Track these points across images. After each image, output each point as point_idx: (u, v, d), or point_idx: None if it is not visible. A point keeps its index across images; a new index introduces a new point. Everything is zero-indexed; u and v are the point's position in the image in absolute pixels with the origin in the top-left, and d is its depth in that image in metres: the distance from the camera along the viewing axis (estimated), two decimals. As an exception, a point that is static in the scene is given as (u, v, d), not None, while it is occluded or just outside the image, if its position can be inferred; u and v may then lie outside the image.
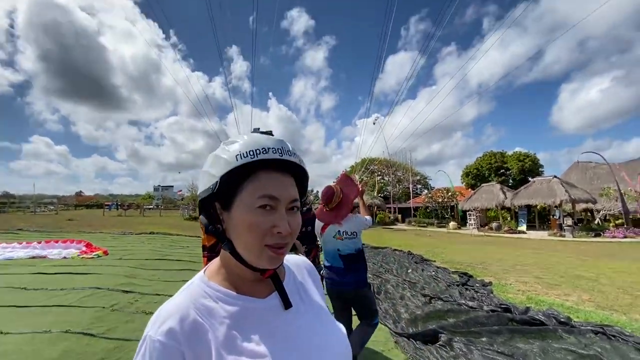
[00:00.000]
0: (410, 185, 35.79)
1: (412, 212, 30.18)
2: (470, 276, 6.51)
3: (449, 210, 27.23)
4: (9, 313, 3.83)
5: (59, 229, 16.51)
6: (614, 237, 15.18)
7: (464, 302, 4.56)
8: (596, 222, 19.22)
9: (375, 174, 37.37)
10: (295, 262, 0.75)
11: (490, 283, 5.97)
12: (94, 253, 8.32)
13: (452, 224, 23.12)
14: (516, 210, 21.36)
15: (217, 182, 0.55)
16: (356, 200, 2.65)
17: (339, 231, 2.49)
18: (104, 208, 34.76)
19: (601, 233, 16.09)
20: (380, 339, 3.47)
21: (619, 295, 5.23)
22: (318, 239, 2.78)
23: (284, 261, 0.67)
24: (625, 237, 14.99)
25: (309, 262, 0.79)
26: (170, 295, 0.59)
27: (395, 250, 10.54)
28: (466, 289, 5.47)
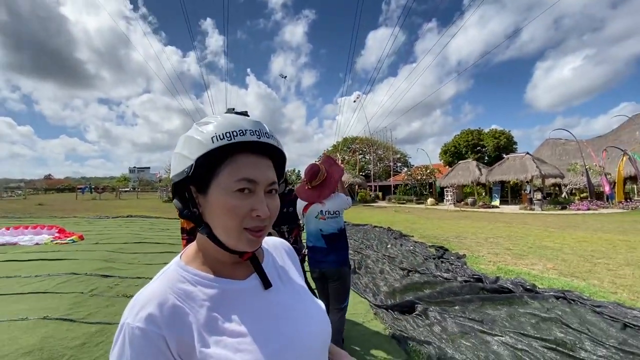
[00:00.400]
0: (391, 164, 36.36)
1: (392, 189, 30.84)
2: (446, 250, 6.81)
3: (427, 187, 28.01)
4: (-20, 302, 3.70)
5: (28, 214, 15.81)
6: (578, 209, 16.19)
7: (439, 274, 4.79)
8: (563, 195, 20.38)
9: (357, 152, 37.58)
10: (273, 243, 0.76)
11: (464, 255, 6.29)
12: (69, 238, 8.06)
13: (430, 200, 23.87)
14: (491, 186, 22.27)
15: (192, 165, 0.53)
16: (344, 177, 2.64)
17: (321, 211, 2.49)
18: (77, 191, 33.35)
19: (567, 206, 17.13)
20: (360, 311, 3.62)
21: (580, 263, 5.65)
22: (300, 218, 2.79)
23: (262, 243, 0.67)
24: (588, 209, 16.03)
25: (287, 243, 0.80)
26: (151, 278, 0.58)
27: (376, 227, 10.82)
28: (442, 261, 5.74)
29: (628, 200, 17.26)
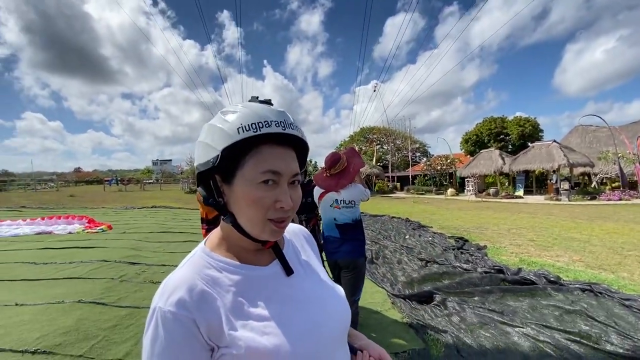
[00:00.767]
0: (409, 154, 35.73)
1: (411, 180, 30.37)
2: (466, 240, 6.70)
3: (447, 177, 27.39)
4: (22, 286, 3.99)
5: (61, 205, 16.70)
6: (609, 199, 15.41)
7: (458, 265, 4.73)
8: (593, 185, 19.43)
9: (374, 142, 37.13)
10: (293, 230, 0.78)
11: (485, 246, 6.16)
12: (99, 227, 8.49)
13: (450, 190, 23.36)
14: (514, 175, 21.51)
15: (218, 155, 0.54)
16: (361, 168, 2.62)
17: (336, 200, 2.49)
18: (104, 184, 34.88)
19: (597, 196, 16.33)
20: (377, 300, 3.65)
21: (609, 255, 5.42)
22: (318, 206, 2.81)
23: None
24: (620, 199, 15.22)
25: (306, 230, 0.82)
26: (176, 266, 0.61)
27: (394, 217, 10.74)
28: (461, 252, 5.65)
29: (665, 190, 16.26)
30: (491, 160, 22.30)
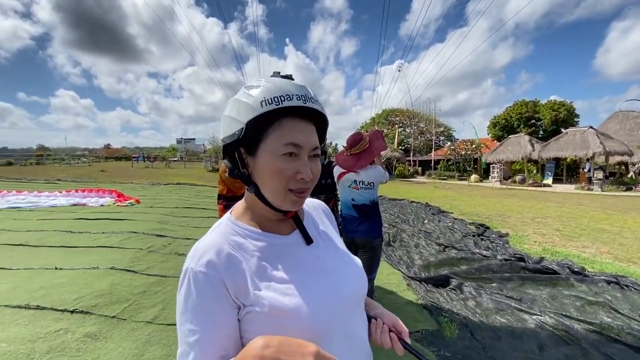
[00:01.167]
0: (433, 137, 34.75)
1: (433, 164, 29.70)
2: (487, 227, 6.57)
3: (471, 163, 26.56)
4: (60, 252, 4.32)
5: (93, 179, 17.61)
6: (646, 191, 14.51)
7: (478, 251, 4.68)
8: (629, 175, 18.30)
9: (397, 125, 36.31)
10: (312, 204, 0.81)
11: (506, 234, 6.03)
12: (128, 201, 8.94)
13: (473, 176, 22.70)
14: (544, 163, 20.55)
15: (242, 128, 0.57)
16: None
17: (355, 181, 2.49)
18: (132, 160, 36.27)
19: (633, 187, 15.40)
20: (393, 281, 3.69)
21: (641, 248, 5.17)
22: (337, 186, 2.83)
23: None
24: (659, 191, 14.30)
25: (324, 204, 0.86)
26: (199, 239, 0.65)
27: (413, 202, 10.63)
28: (482, 239, 5.56)
29: None
30: (520, 146, 21.34)
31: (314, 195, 3.20)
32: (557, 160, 20.28)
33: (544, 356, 2.29)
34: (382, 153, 2.83)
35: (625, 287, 3.41)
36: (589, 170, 16.93)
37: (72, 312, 2.64)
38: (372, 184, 2.48)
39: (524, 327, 2.69)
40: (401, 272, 3.98)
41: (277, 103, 0.56)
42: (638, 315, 2.81)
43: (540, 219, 7.79)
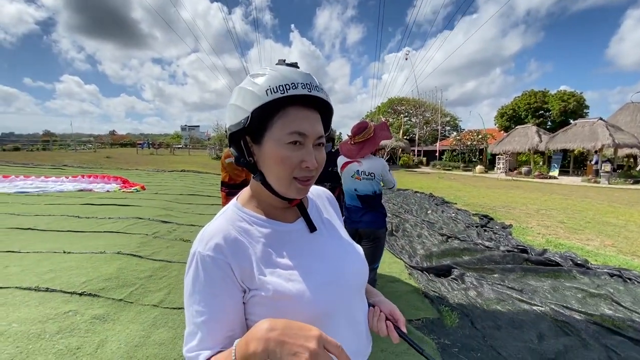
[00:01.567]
0: (439, 127, 34.40)
1: (438, 155, 29.50)
2: (491, 219, 6.56)
3: (477, 153, 26.32)
4: (68, 236, 4.40)
5: (99, 165, 17.75)
6: (654, 184, 14.33)
7: (480, 242, 4.68)
8: (638, 168, 18.04)
9: (402, 115, 35.93)
10: (316, 192, 0.82)
11: (510, 226, 6.02)
12: (133, 188, 9.03)
13: (478, 167, 22.53)
14: (550, 154, 20.30)
15: (248, 116, 0.58)
16: (384, 142, 2.57)
17: (357, 171, 2.49)
18: (137, 147, 36.43)
19: (641, 180, 15.21)
20: (395, 270, 3.72)
21: (646, 241, 5.14)
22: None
23: None
24: (667, 184, 14.11)
25: (329, 192, 0.87)
26: (203, 226, 0.66)
27: (417, 192, 10.62)
28: (485, 230, 5.56)
29: None
30: (526, 137, 21.07)
31: (319, 182, 3.21)
32: (565, 152, 20.02)
33: (543, 346, 2.31)
34: (387, 143, 2.80)
35: (628, 280, 3.41)
36: (597, 163, 16.72)
37: (80, 294, 2.70)
38: (372, 174, 2.46)
39: (524, 317, 2.71)
40: (403, 261, 4.01)
41: (283, 91, 0.56)
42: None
43: (545, 211, 7.75)
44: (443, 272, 3.65)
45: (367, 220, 2.51)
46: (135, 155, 27.76)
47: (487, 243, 4.61)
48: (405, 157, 28.09)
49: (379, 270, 2.99)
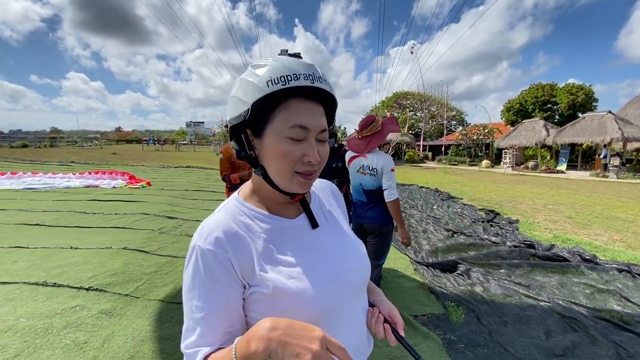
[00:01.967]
0: (445, 122, 34.07)
1: (444, 149, 29.25)
2: (497, 214, 6.49)
3: (483, 148, 26.04)
4: (75, 232, 4.44)
5: (105, 162, 17.91)
6: (665, 178, 14.07)
7: (487, 237, 4.64)
8: (648, 162, 17.72)
9: (407, 109, 35.62)
10: (320, 185, 0.80)
11: (517, 221, 5.95)
12: (139, 184, 9.09)
13: (484, 162, 22.31)
14: (558, 148, 20.02)
15: (248, 109, 0.56)
16: (390, 137, 2.53)
17: (362, 165, 2.46)
18: (143, 143, 36.68)
19: (651, 174, 14.95)
20: (400, 266, 3.70)
21: (656, 236, 5.05)
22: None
23: None
24: (678, 179, 13.86)
25: (333, 185, 0.84)
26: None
27: (422, 187, 10.55)
28: (491, 225, 5.51)
29: None
30: (534, 131, 20.79)
31: (327, 179, 3.18)
32: (573, 146, 19.72)
33: (550, 342, 2.29)
34: (392, 137, 2.76)
35: (638, 276, 3.35)
36: (605, 157, 16.46)
37: (87, 289, 2.73)
38: (375, 169, 2.40)
39: (531, 313, 2.68)
40: (408, 256, 3.99)
41: (284, 83, 0.54)
42: (649, 304, 2.77)
43: (552, 206, 7.66)
44: (449, 267, 3.63)
45: (372, 216, 2.47)
46: (141, 151, 27.96)
47: (493, 238, 4.56)
48: (411, 152, 27.90)
49: (384, 266, 2.98)
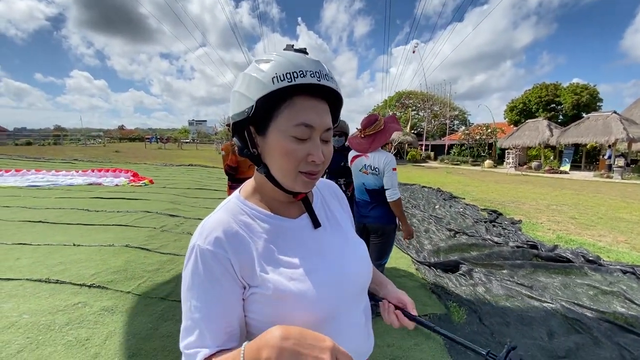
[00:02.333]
0: (447, 121, 33.94)
1: (446, 149, 29.16)
2: (500, 214, 6.46)
3: (486, 148, 25.92)
4: (78, 229, 4.46)
5: (108, 159, 17.98)
6: (670, 179, 13.96)
7: (489, 237, 4.61)
8: (653, 163, 17.57)
9: (410, 108, 35.51)
10: (322, 184, 0.79)
11: (519, 221, 5.92)
12: (142, 182, 9.12)
13: (487, 162, 22.21)
14: (562, 149, 19.89)
15: (252, 105, 0.54)
16: (394, 135, 2.51)
17: (365, 165, 2.45)
18: (145, 141, 36.75)
19: (656, 175, 14.83)
20: (401, 266, 3.69)
21: (660, 238, 5.01)
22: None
23: None
24: (683, 180, 13.74)
25: (334, 184, 0.83)
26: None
27: (424, 187, 10.52)
28: (494, 226, 5.48)
29: None
30: (537, 131, 20.67)
31: (333, 179, 3.16)
32: (577, 147, 19.59)
33: (553, 343, 2.27)
34: (395, 137, 2.75)
35: (642, 278, 3.32)
36: (609, 157, 16.34)
37: (89, 286, 2.74)
38: (377, 169, 2.38)
39: (534, 314, 2.66)
40: (410, 256, 3.97)
41: (290, 80, 0.52)
42: (654, 306, 2.75)
43: (555, 207, 7.61)
44: (451, 267, 3.61)
45: (375, 215, 2.46)
46: (144, 149, 28.03)
47: (495, 238, 4.54)
48: (413, 151, 27.82)
49: (386, 266, 2.97)
